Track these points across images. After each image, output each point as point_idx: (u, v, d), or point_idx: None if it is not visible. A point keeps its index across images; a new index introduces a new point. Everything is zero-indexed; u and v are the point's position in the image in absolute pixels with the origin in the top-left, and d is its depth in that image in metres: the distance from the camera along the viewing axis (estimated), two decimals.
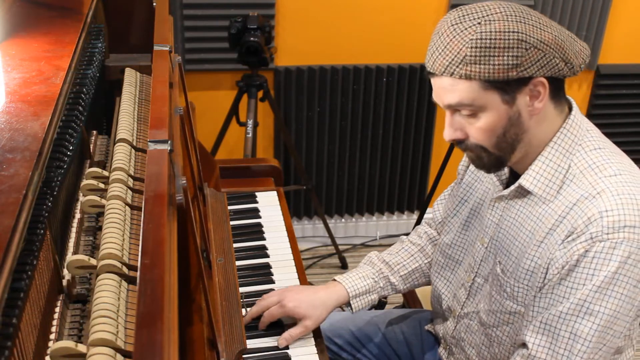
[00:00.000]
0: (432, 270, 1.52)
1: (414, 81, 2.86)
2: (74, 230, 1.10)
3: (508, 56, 1.09)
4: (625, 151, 1.28)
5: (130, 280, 0.91)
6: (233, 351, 1.27)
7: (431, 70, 1.17)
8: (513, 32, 1.09)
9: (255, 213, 1.81)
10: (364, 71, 2.80)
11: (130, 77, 1.54)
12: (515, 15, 1.11)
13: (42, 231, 0.86)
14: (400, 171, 3.06)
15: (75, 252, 1.05)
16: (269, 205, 1.85)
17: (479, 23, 1.11)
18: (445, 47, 1.13)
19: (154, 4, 1.58)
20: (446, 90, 1.15)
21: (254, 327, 1.40)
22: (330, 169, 2.99)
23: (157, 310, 0.68)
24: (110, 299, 0.84)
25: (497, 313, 1.30)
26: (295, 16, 2.70)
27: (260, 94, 2.54)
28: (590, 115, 3.02)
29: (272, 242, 1.70)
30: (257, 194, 1.89)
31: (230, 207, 1.78)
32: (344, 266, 3.02)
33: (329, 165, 2.98)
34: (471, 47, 1.10)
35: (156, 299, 0.70)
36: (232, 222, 1.71)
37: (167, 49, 1.34)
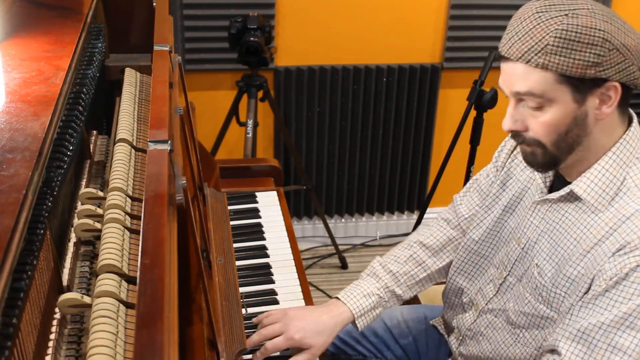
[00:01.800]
0: (452, 267, 1.48)
1: (414, 81, 2.86)
2: (74, 230, 1.10)
3: (590, 53, 1.07)
4: None
5: (130, 280, 0.91)
6: (233, 351, 1.27)
7: (506, 55, 1.13)
8: (599, 29, 1.08)
9: (255, 213, 1.81)
10: (364, 71, 2.80)
11: (130, 77, 1.54)
12: (602, 14, 1.10)
13: (42, 231, 0.86)
14: (400, 171, 3.06)
15: (75, 252, 1.05)
16: (269, 205, 1.85)
17: (566, 15, 1.09)
18: (526, 32, 1.10)
19: (154, 4, 1.58)
20: (518, 77, 1.12)
21: (254, 327, 1.41)
22: (330, 169, 2.99)
23: (157, 310, 0.68)
24: (110, 299, 0.84)
25: (529, 315, 1.28)
26: (295, 16, 2.70)
27: (260, 94, 2.54)
28: None
29: (272, 242, 1.70)
30: (257, 194, 1.89)
31: (230, 207, 1.78)
32: (344, 266, 3.02)
33: (329, 165, 2.98)
34: (555, 37, 1.08)
35: (156, 299, 0.70)
36: (232, 222, 1.71)
37: (167, 49, 1.34)
